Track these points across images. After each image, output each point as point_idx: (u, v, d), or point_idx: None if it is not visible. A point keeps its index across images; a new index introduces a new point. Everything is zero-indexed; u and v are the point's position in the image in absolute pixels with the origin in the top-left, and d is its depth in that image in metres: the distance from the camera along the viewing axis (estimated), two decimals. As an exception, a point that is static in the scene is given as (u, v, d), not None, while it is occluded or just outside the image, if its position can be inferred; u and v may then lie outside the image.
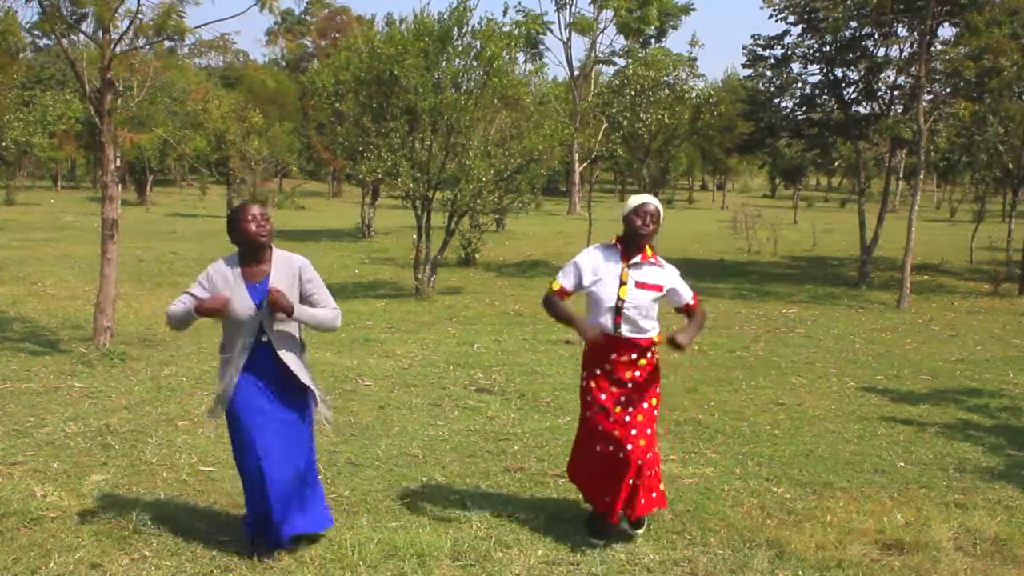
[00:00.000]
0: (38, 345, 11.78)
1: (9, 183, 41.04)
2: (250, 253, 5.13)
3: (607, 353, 5.47)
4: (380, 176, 17.77)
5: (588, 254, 5.54)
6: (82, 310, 14.50)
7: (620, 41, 62.40)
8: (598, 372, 5.52)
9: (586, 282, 5.45)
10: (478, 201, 18.04)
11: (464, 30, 17.24)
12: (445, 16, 17.19)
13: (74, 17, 11.71)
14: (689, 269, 23.12)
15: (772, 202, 62.84)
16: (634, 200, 5.55)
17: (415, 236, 18.83)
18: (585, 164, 43.72)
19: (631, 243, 5.49)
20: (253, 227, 5.05)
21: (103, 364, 10.47)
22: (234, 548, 5.37)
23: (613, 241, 5.55)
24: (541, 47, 59.76)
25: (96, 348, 11.18)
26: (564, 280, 5.50)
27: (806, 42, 22.73)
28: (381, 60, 17.16)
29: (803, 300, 18.45)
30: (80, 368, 10.36)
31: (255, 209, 5.11)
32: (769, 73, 24.05)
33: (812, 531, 5.77)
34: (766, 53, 23.65)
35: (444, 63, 17.36)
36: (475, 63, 17.29)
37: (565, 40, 58.54)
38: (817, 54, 22.67)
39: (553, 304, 5.50)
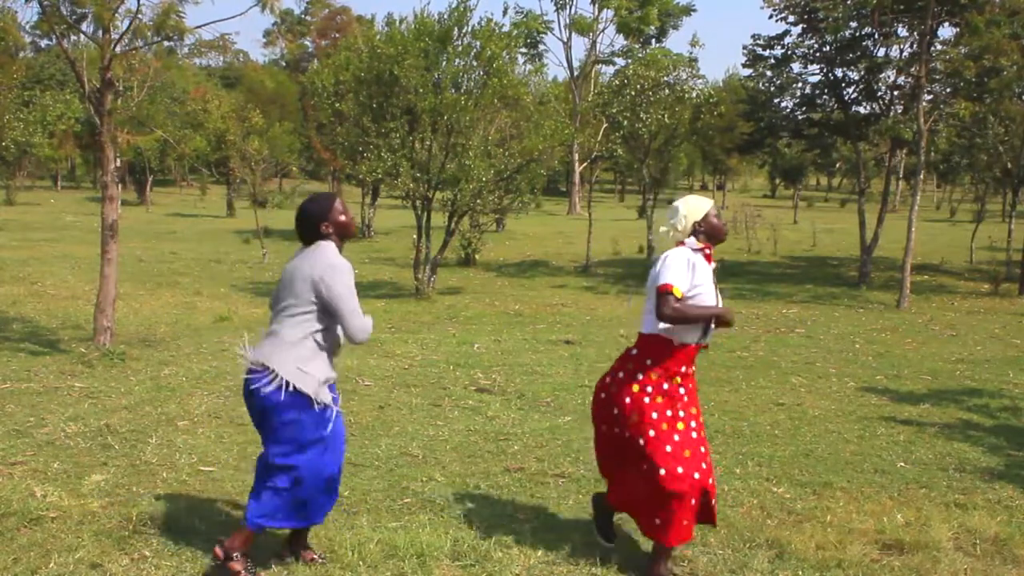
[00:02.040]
0: (38, 345, 11.78)
1: (9, 183, 41.07)
2: (342, 246, 4.94)
3: (689, 362, 5.17)
4: (380, 176, 17.78)
5: (687, 255, 5.05)
6: (82, 310, 14.50)
7: (620, 41, 62.43)
8: (678, 380, 5.15)
9: (691, 285, 5.01)
10: (478, 201, 18.05)
11: (464, 30, 17.26)
12: (445, 16, 17.21)
13: (74, 17, 11.68)
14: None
15: (772, 202, 62.84)
16: (704, 200, 5.24)
17: (415, 236, 18.84)
18: (585, 164, 43.71)
19: (713, 245, 5.19)
20: (347, 218, 4.91)
21: (103, 364, 10.47)
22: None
23: (700, 246, 5.12)
24: (541, 47, 59.80)
25: (96, 348, 11.17)
26: (682, 283, 4.94)
27: (806, 42, 22.75)
28: (381, 60, 17.18)
29: (803, 300, 18.47)
30: (80, 368, 10.36)
31: (341, 200, 4.93)
32: (769, 73, 24.07)
33: (812, 531, 5.77)
34: (766, 53, 23.67)
35: (444, 63, 17.38)
36: (475, 63, 17.31)
37: (565, 40, 58.58)
38: (817, 54, 22.69)
39: (687, 311, 4.94)
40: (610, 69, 59.57)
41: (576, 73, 58.61)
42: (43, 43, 64.59)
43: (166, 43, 12.32)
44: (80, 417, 8.14)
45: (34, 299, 15.97)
